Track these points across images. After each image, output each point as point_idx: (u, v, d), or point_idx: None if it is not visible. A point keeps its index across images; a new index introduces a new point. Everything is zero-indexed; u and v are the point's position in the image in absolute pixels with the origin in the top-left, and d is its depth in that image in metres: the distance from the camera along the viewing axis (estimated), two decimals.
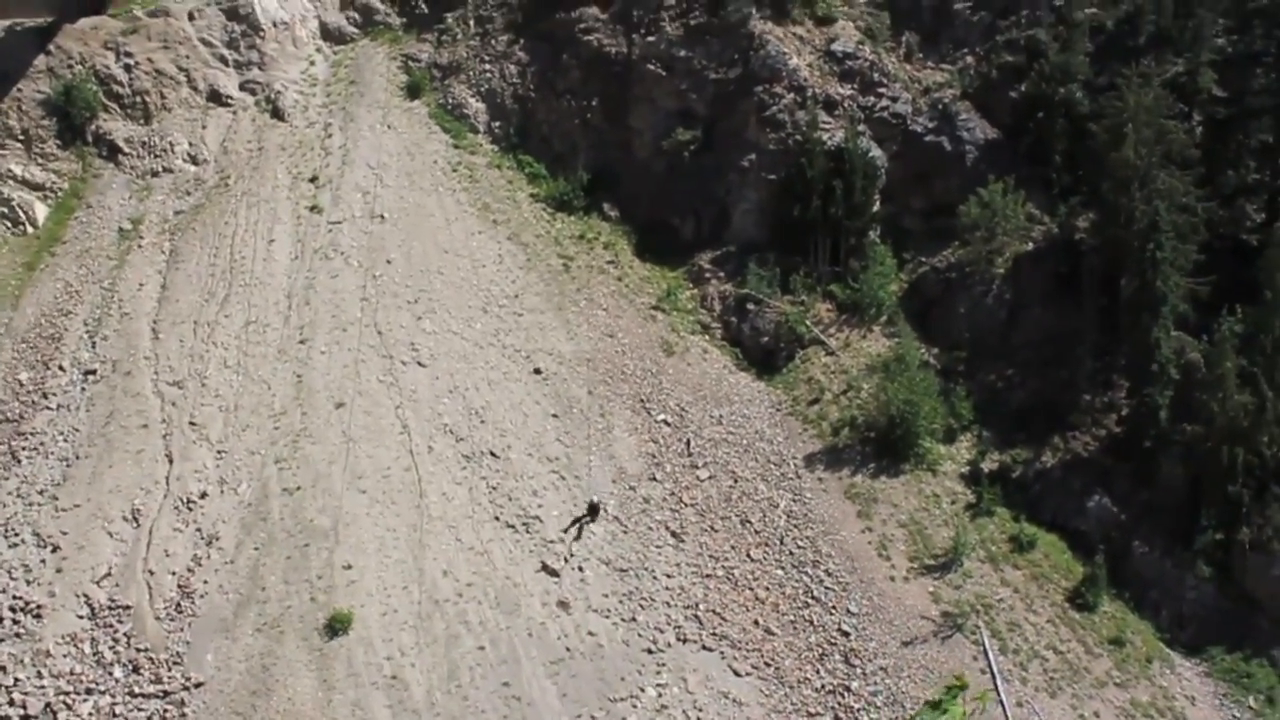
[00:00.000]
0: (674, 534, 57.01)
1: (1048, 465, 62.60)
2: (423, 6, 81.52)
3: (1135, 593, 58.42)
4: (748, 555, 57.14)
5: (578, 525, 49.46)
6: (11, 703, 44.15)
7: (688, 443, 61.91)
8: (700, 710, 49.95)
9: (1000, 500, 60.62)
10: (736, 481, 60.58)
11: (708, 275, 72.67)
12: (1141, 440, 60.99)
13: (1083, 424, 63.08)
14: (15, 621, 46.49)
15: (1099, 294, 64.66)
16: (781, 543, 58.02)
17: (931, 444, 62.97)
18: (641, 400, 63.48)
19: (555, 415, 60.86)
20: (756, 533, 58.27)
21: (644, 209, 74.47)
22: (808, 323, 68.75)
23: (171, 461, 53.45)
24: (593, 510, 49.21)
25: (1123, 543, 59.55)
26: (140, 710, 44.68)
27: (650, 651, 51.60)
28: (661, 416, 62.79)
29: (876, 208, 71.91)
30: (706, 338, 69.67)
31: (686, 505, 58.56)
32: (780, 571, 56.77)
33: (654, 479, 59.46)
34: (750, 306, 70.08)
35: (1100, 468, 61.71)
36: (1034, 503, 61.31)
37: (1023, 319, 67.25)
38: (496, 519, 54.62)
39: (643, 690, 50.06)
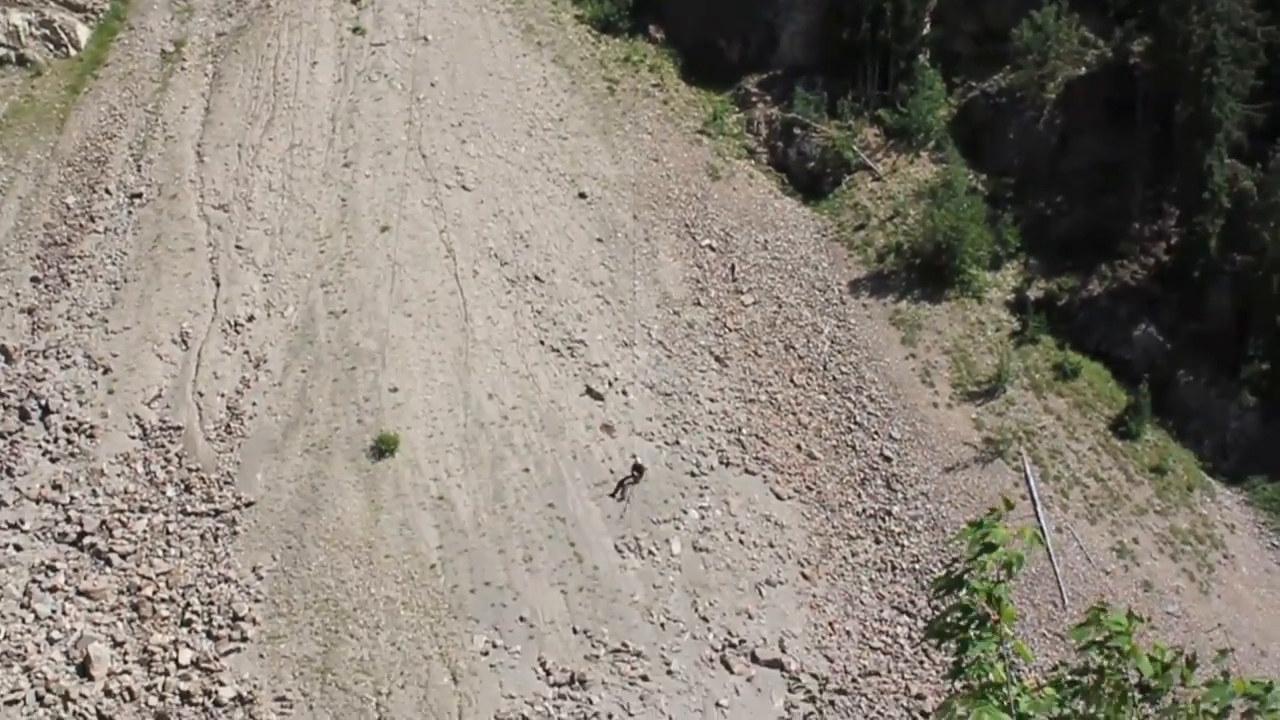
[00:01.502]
0: (718, 359, 56.37)
1: (1094, 293, 61.25)
2: None
3: (1178, 422, 57.61)
4: (791, 380, 56.51)
5: (621, 487, 48.32)
6: (69, 520, 44.40)
7: (732, 268, 60.90)
8: (742, 533, 49.84)
9: (1045, 328, 59.47)
10: (781, 307, 59.68)
11: (754, 99, 70.82)
12: (1190, 269, 59.53)
13: (1131, 252, 61.49)
14: (70, 442, 46.53)
15: (1152, 120, 62.45)
16: (825, 368, 57.34)
17: (977, 271, 61.67)
18: (686, 225, 62.33)
19: (600, 240, 59.85)
20: (800, 358, 57.56)
21: (690, 31, 72.20)
22: (855, 148, 67.01)
23: (219, 285, 52.92)
24: (637, 470, 48.16)
25: (1167, 372, 58.54)
26: (193, 528, 44.87)
27: (693, 475, 51.37)
28: (706, 242, 61.68)
29: (926, 31, 69.43)
30: (752, 162, 68.12)
31: (730, 330, 57.79)
32: (823, 397, 56.18)
33: (698, 304, 58.62)
34: (797, 131, 68.35)
35: (1148, 296, 60.35)
36: (1079, 331, 60.11)
37: (1073, 145, 65.13)
38: (541, 343, 54.06)
39: (685, 513, 49.93)
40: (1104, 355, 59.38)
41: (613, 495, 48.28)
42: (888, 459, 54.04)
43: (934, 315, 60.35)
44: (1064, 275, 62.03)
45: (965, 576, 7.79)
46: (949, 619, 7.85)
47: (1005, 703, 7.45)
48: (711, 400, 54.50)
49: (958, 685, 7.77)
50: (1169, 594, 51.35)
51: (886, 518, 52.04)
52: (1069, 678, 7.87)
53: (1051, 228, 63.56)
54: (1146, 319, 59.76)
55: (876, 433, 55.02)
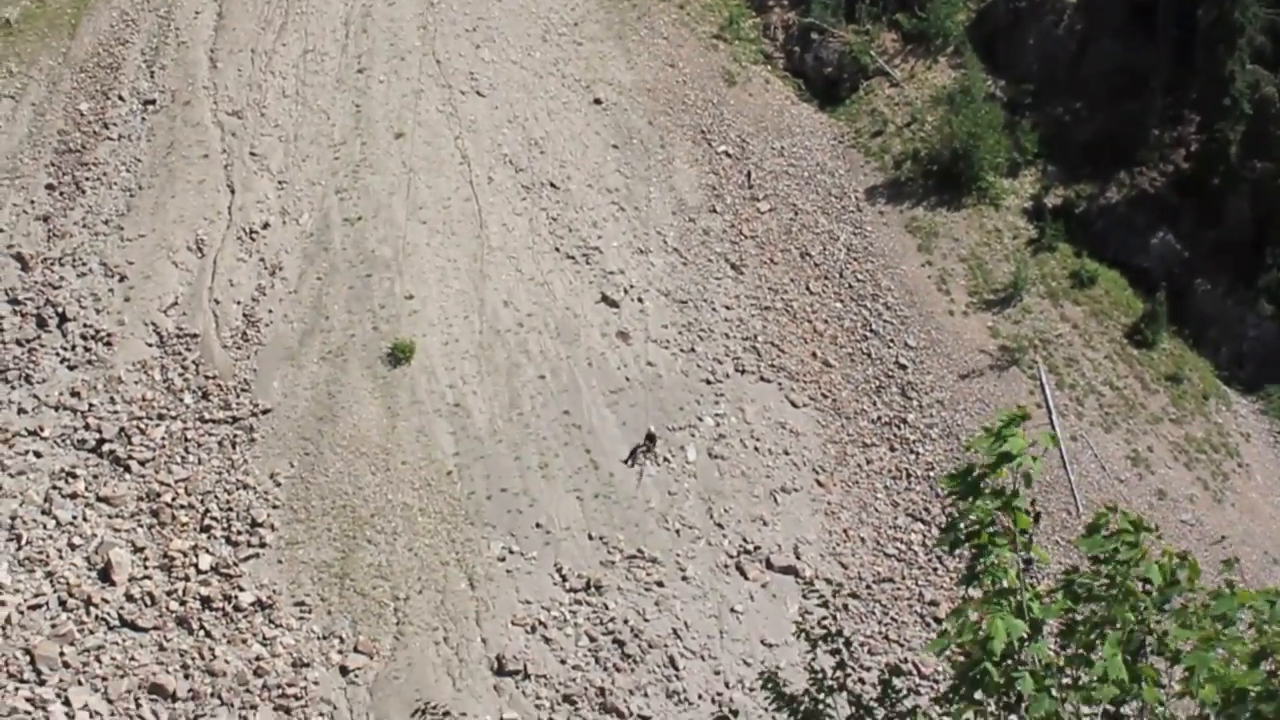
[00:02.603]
0: (733, 266, 55.64)
1: (1113, 201, 60.14)
2: None
3: (1195, 330, 56.81)
4: (807, 288, 55.80)
5: (633, 455, 47.15)
6: (87, 427, 44.06)
7: (748, 174, 59.96)
8: (757, 440, 49.43)
9: (1063, 236, 58.51)
10: (797, 214, 58.81)
11: (771, 3, 69.46)
12: (1210, 177, 58.37)
13: (1150, 160, 60.21)
14: (87, 349, 46.08)
15: (1173, 25, 60.84)
16: (841, 276, 56.60)
17: (995, 178, 60.60)
18: (702, 131, 61.30)
19: (615, 146, 58.87)
20: (816, 265, 56.81)
21: None
22: (872, 53, 65.72)
23: (233, 192, 52.14)
24: (650, 440, 46.96)
25: (1185, 280, 57.62)
26: (210, 435, 44.54)
27: (708, 382, 50.88)
28: (722, 148, 60.68)
29: None
30: (769, 68, 66.88)
31: (746, 237, 57.00)
32: (839, 304, 55.50)
33: (714, 211, 57.77)
34: (814, 36, 67.03)
35: (1166, 204, 59.20)
36: (1097, 239, 59.11)
37: (1093, 51, 63.60)
38: (556, 250, 53.35)
39: (700, 420, 49.52)
40: (1121, 263, 58.43)
41: (625, 462, 47.18)
42: (903, 366, 53.47)
43: (951, 222, 59.42)
44: (1082, 182, 60.88)
45: (981, 484, 7.70)
46: (963, 526, 7.79)
47: (1017, 608, 7.40)
48: (727, 307, 53.86)
49: (971, 591, 7.73)
50: (1183, 502, 50.93)
51: (901, 425, 51.57)
52: (1080, 582, 7.85)
53: (1070, 134, 62.26)
54: (1165, 227, 58.69)
55: (892, 340, 54.39)
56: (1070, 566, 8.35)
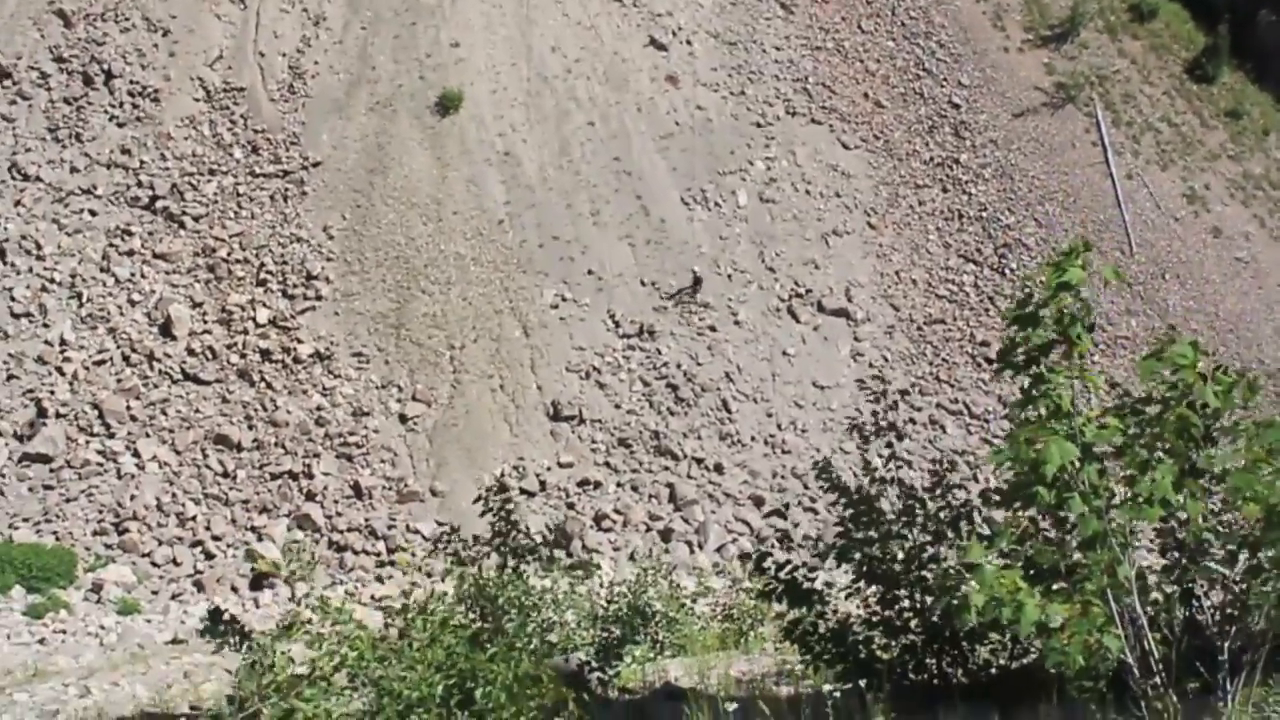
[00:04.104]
0: (783, 5, 52.96)
1: None
2: None
3: (1257, 64, 53.95)
4: (858, 27, 53.13)
5: (679, 295, 43.63)
6: (140, 184, 43.05)
7: None
8: (809, 183, 47.83)
9: None
10: None
11: None
12: None
13: None
14: (135, 106, 44.66)
15: None
16: (893, 13, 53.82)
17: None
18: None
19: None
20: (867, 3, 54.00)
21: None
22: None
23: None
24: (696, 281, 43.64)
25: (1248, 11, 54.32)
26: (262, 189, 43.46)
27: (759, 125, 49.00)
28: None
29: None
30: None
31: None
32: (891, 43, 52.90)
33: None
34: None
35: None
36: None
37: None
38: None
39: (751, 163, 47.88)
40: None
41: (671, 298, 44.18)
42: (956, 105, 51.21)
43: None
44: None
45: (1040, 313, 7.80)
46: (1021, 351, 7.88)
47: (1071, 431, 7.46)
48: (777, 49, 51.46)
49: (1028, 413, 7.79)
50: (1238, 239, 49.17)
51: (954, 166, 49.65)
52: (1133, 405, 7.99)
53: None
54: None
55: (945, 79, 51.97)
56: (1123, 388, 8.57)
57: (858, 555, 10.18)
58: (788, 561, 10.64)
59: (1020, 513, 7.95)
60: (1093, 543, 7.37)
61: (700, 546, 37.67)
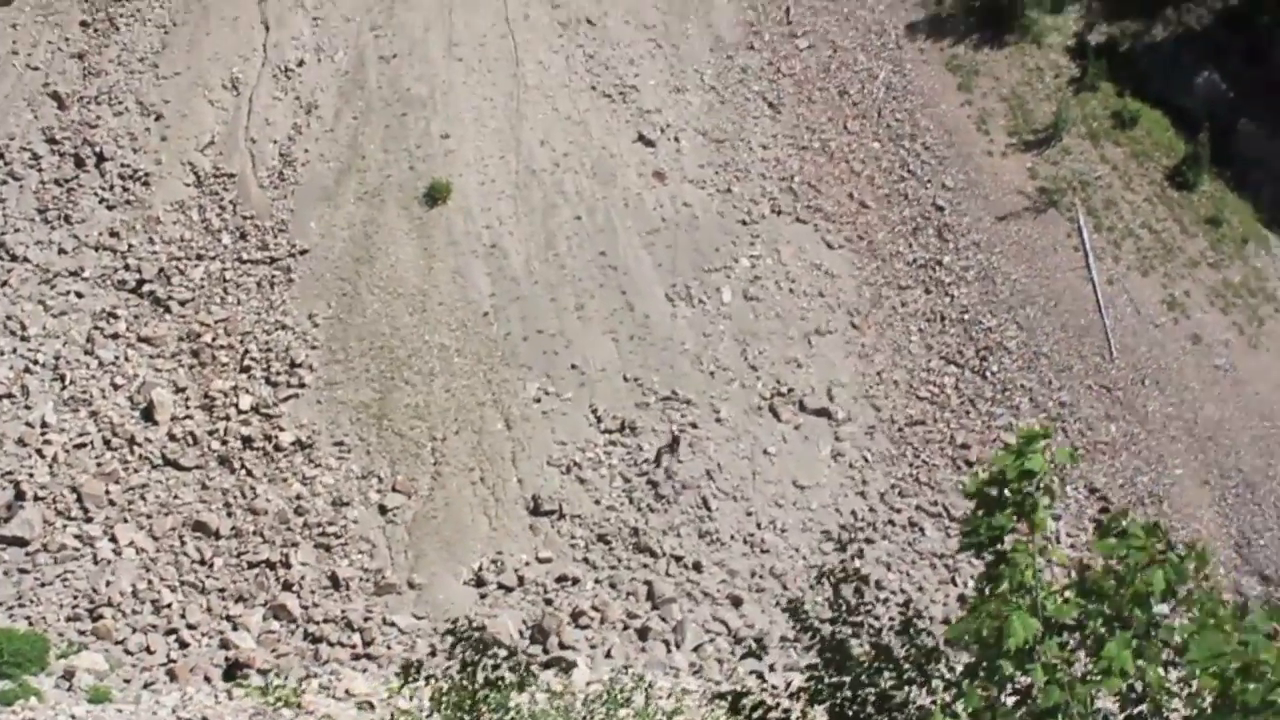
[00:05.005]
0: (771, 104, 53.82)
1: (1158, 39, 57.66)
2: None
3: (1237, 173, 54.71)
4: (845, 127, 54.01)
5: (660, 457, 43.90)
6: (127, 267, 43.47)
7: (787, 10, 57.61)
8: (793, 281, 48.36)
9: (1105, 74, 56.15)
10: (836, 51, 56.63)
11: None
12: (1259, 14, 55.66)
13: None
14: (125, 189, 45.22)
15: None
16: (879, 115, 54.70)
17: (1038, 15, 58.08)
18: None
19: None
20: (854, 104, 54.88)
21: None
22: None
23: (268, 29, 50.53)
24: (674, 442, 43.91)
25: (1229, 120, 55.33)
26: (249, 275, 43.88)
27: (744, 223, 49.61)
28: None
29: None
30: None
31: (784, 75, 54.98)
32: (877, 144, 53.75)
33: (752, 48, 55.68)
34: None
35: (1213, 43, 56.68)
36: (1140, 78, 56.69)
37: None
38: (593, 88, 51.69)
39: (736, 261, 48.44)
40: (1165, 103, 56.11)
41: (652, 462, 44.37)
42: (940, 208, 51.95)
43: (992, 61, 57.17)
44: (1127, 19, 58.27)
45: (1003, 496, 8.06)
46: (984, 531, 8.11)
47: (1033, 605, 7.78)
48: (764, 147, 52.26)
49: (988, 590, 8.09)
50: (1218, 347, 49.74)
51: (937, 267, 50.28)
52: (1093, 580, 8.14)
53: None
54: (1210, 66, 56.26)
55: (929, 181, 52.76)
56: (1081, 562, 8.65)
57: (828, 702, 10.41)
58: (761, 703, 10.83)
59: (983, 689, 8.08)
60: (1054, 712, 7.57)
61: (677, 645, 37.67)
